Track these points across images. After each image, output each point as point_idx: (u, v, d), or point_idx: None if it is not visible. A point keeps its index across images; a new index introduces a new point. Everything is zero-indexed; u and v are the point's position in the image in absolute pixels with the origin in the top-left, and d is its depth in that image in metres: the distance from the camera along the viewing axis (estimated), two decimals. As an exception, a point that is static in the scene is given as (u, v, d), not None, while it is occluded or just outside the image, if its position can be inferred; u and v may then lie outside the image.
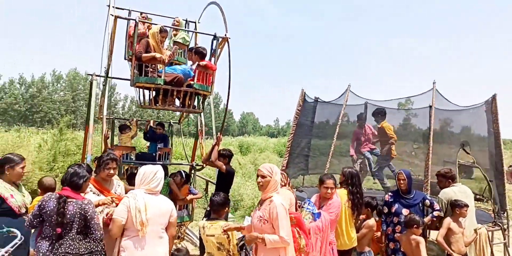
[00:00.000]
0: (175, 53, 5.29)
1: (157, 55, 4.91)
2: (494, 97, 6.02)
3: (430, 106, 8.01)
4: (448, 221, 4.17)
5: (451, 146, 7.05)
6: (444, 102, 6.50)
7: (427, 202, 4.27)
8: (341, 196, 4.10)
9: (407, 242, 3.97)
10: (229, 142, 21.09)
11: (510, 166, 21.86)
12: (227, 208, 3.54)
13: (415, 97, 7.48)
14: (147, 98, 5.26)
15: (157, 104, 5.09)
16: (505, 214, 5.23)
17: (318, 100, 8.29)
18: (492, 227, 5.04)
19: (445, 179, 4.60)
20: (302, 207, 3.91)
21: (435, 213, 4.21)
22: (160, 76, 4.91)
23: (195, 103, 5.63)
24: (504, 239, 5.06)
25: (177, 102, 5.39)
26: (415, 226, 3.92)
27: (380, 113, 7.29)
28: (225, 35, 5.40)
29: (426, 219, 4.24)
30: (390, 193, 4.59)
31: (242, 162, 15.10)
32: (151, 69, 4.94)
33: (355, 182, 4.19)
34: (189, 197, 5.22)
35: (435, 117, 8.27)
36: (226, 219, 4.20)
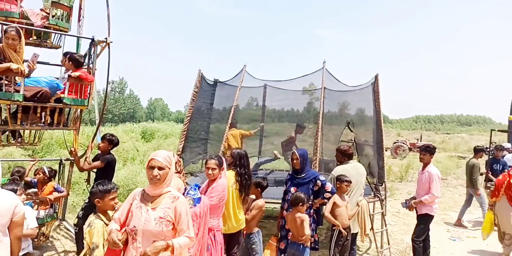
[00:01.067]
0: (35, 62, 4.38)
1: (13, 66, 3.99)
2: (376, 77, 6.41)
3: (325, 88, 8.44)
4: (333, 196, 4.33)
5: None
6: (336, 83, 6.77)
7: (319, 182, 4.31)
8: (228, 178, 3.97)
9: (292, 220, 4.02)
10: (131, 129, 19.90)
11: (395, 142, 24.79)
12: (103, 199, 2.93)
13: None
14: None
15: (16, 123, 4.24)
16: (384, 186, 5.68)
17: (217, 81, 8.07)
18: (372, 198, 5.42)
19: (342, 156, 4.79)
20: (187, 193, 3.68)
21: (326, 195, 4.29)
22: (19, 91, 4.08)
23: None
24: (382, 209, 5.50)
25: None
26: (300, 204, 3.97)
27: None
28: (106, 39, 4.78)
29: (317, 201, 4.34)
30: (289, 172, 4.65)
31: (143, 149, 14.32)
32: (6, 82, 4.02)
33: (244, 163, 4.09)
34: (52, 196, 4.69)
35: (333, 100, 8.68)
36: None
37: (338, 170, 4.66)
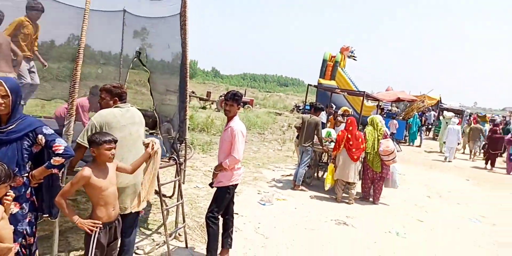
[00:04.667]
0: None
1: None
2: None
3: (125, 11, 6.18)
4: (81, 174, 2.45)
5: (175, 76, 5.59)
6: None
7: (41, 138, 2.37)
8: None
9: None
10: None
11: (221, 96, 24.59)
12: None
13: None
14: None
15: None
16: (184, 145, 4.15)
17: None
18: (166, 162, 3.86)
19: (110, 96, 2.99)
20: None
21: (54, 161, 2.37)
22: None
23: None
24: (178, 175, 4.00)
25: None
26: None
27: None
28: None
29: (35, 172, 2.43)
30: None
31: None
32: None
33: None
34: None
35: (134, 28, 6.48)
36: None
37: (104, 115, 2.87)
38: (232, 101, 3.60)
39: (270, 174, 8.02)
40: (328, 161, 7.99)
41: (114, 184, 2.59)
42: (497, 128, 12.86)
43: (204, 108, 22.60)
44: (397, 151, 7.59)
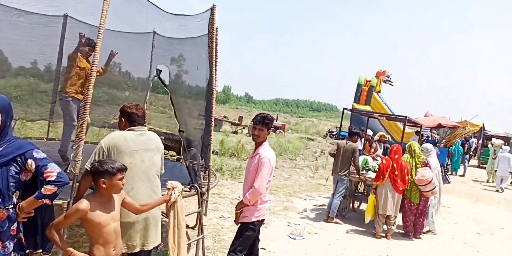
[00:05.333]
0: None
1: None
2: (212, 11, 4.12)
3: (155, 32, 6.16)
4: (76, 207, 2.20)
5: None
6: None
7: (31, 163, 2.08)
8: None
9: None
10: None
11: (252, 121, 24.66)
12: None
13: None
14: None
15: None
16: (208, 172, 3.86)
17: None
18: (188, 191, 3.56)
19: (120, 116, 2.79)
20: None
21: (44, 190, 2.06)
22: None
23: None
24: (200, 206, 3.68)
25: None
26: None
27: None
28: None
29: (23, 203, 2.12)
30: None
31: None
32: None
33: None
34: None
35: (166, 52, 6.42)
36: None
37: (114, 137, 2.62)
38: (262, 125, 3.30)
39: (302, 203, 7.53)
40: (365, 191, 7.43)
41: (116, 220, 2.30)
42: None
43: (235, 132, 22.54)
44: (448, 183, 7.08)
